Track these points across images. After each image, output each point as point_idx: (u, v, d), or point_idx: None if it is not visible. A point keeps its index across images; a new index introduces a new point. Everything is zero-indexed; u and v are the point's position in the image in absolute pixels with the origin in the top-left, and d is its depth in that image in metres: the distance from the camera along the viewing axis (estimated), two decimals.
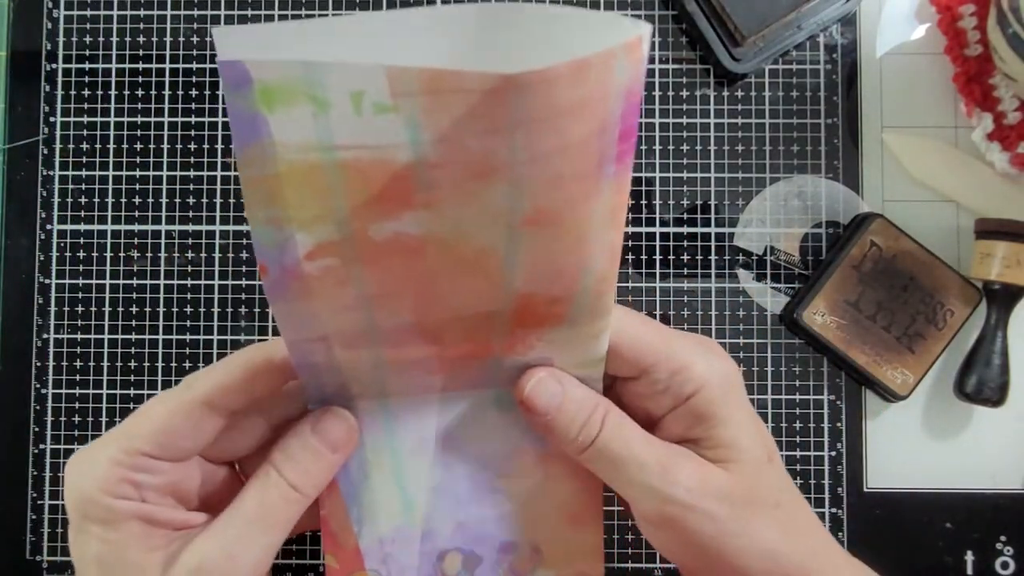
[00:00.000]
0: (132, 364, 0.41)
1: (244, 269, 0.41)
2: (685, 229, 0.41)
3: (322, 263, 0.24)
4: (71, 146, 0.42)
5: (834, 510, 0.41)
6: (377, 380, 0.29)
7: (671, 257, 0.41)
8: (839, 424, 0.41)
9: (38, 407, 0.41)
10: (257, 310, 0.41)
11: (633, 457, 0.28)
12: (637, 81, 0.22)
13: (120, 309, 0.41)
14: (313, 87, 0.21)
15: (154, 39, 0.42)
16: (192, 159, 0.42)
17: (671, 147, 0.42)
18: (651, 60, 0.42)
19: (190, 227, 0.42)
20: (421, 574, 0.30)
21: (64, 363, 0.41)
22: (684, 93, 0.42)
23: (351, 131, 0.21)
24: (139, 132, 0.42)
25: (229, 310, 0.41)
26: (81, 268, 0.41)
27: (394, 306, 0.26)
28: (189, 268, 0.41)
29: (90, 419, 0.41)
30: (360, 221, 0.23)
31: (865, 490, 0.41)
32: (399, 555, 0.30)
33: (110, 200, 0.42)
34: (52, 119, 0.42)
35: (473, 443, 0.31)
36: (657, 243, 0.41)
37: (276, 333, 0.31)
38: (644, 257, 0.41)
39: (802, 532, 0.29)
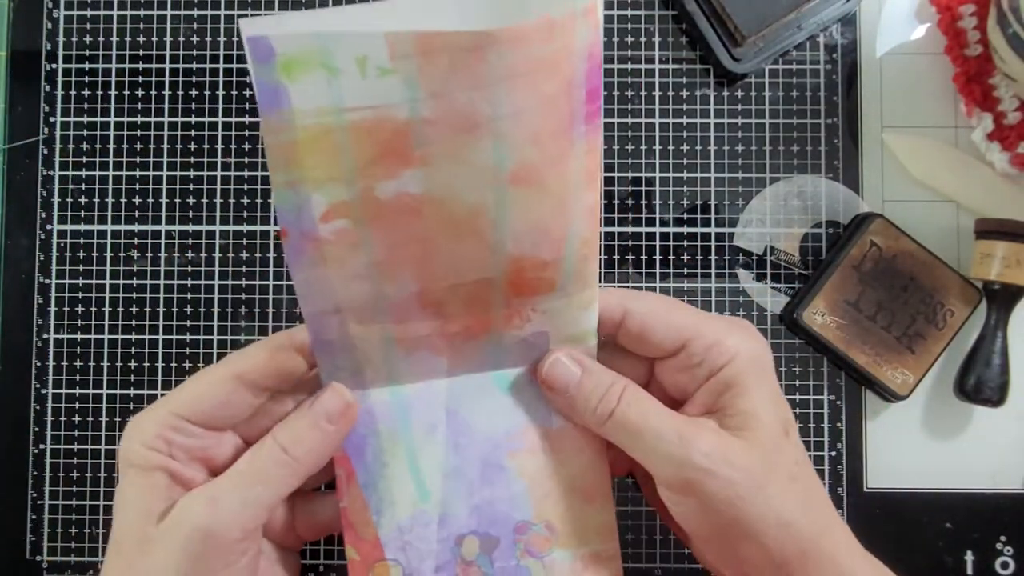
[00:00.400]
0: (132, 364, 0.41)
1: (244, 269, 0.41)
2: (685, 229, 0.41)
3: (335, 225, 0.27)
4: (71, 146, 0.42)
5: None
6: (388, 363, 0.31)
7: (671, 257, 0.41)
8: (839, 424, 0.41)
9: (38, 407, 0.41)
10: (257, 310, 0.41)
11: (650, 427, 0.29)
12: (596, 44, 0.25)
13: (120, 309, 0.41)
14: (325, 56, 0.24)
15: (154, 39, 0.42)
16: (192, 159, 0.42)
17: (671, 147, 0.42)
18: (651, 60, 0.42)
19: (190, 227, 0.42)
20: (439, 561, 0.31)
21: (64, 363, 0.41)
22: (684, 93, 0.42)
23: (358, 93, 0.25)
24: (139, 132, 0.42)
25: (229, 310, 0.41)
26: (81, 268, 0.41)
27: (399, 273, 0.28)
28: (189, 268, 0.41)
29: (90, 419, 0.41)
30: (367, 179, 0.26)
31: (865, 490, 0.41)
32: (417, 543, 0.31)
33: (110, 200, 0.42)
34: (52, 119, 0.42)
35: (481, 424, 0.32)
36: (657, 243, 0.41)
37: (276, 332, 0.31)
38: (644, 257, 0.41)
39: (816, 507, 0.30)
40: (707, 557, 0.31)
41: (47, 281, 0.41)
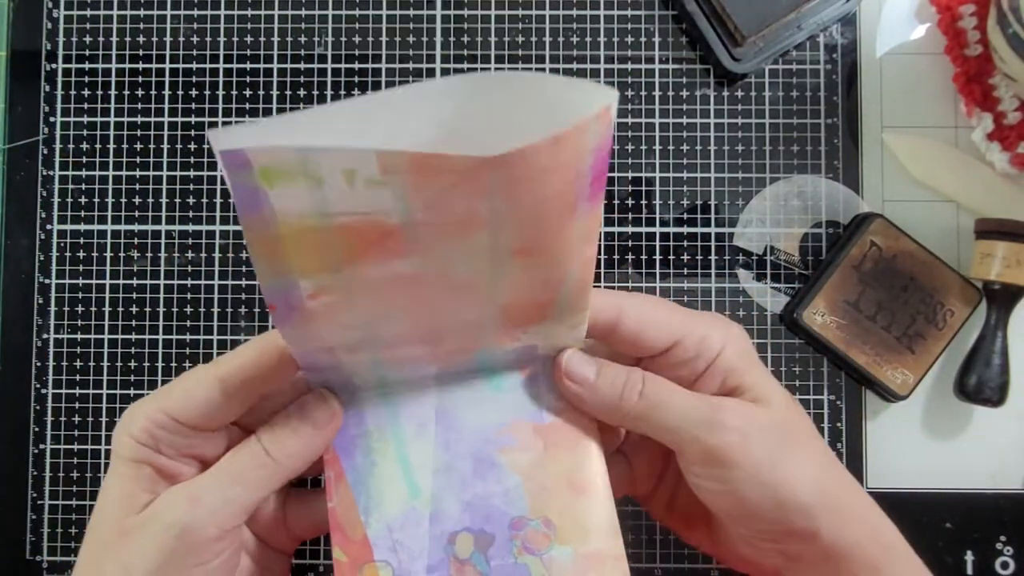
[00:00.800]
0: (132, 364, 0.41)
1: (244, 269, 0.41)
2: (685, 229, 0.41)
3: (324, 300, 0.26)
4: (71, 146, 0.42)
5: None
6: (377, 375, 0.31)
7: (671, 257, 0.41)
8: (839, 424, 0.41)
9: (38, 407, 0.41)
10: (257, 310, 0.41)
11: (682, 400, 0.30)
12: (606, 139, 0.24)
13: (120, 309, 0.41)
14: (308, 167, 0.22)
15: (154, 39, 0.42)
16: (192, 159, 0.42)
17: (671, 147, 0.42)
18: (651, 60, 0.42)
19: (190, 227, 0.42)
20: (432, 560, 0.30)
21: (64, 363, 0.41)
22: (684, 93, 0.42)
23: (344, 201, 0.23)
24: (139, 132, 0.42)
25: (229, 310, 0.41)
26: (81, 268, 0.41)
27: (392, 322, 0.28)
28: (189, 268, 0.41)
29: (90, 419, 0.41)
30: (356, 269, 0.25)
31: (865, 490, 0.41)
32: (408, 541, 0.31)
33: (110, 200, 0.42)
34: (52, 119, 0.42)
35: (471, 421, 0.32)
36: (657, 243, 0.41)
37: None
38: (644, 257, 0.41)
39: (836, 465, 0.31)
40: (740, 547, 0.32)
41: (47, 281, 0.41)
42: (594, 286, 0.30)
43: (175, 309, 0.41)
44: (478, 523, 0.31)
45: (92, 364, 0.41)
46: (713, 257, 0.41)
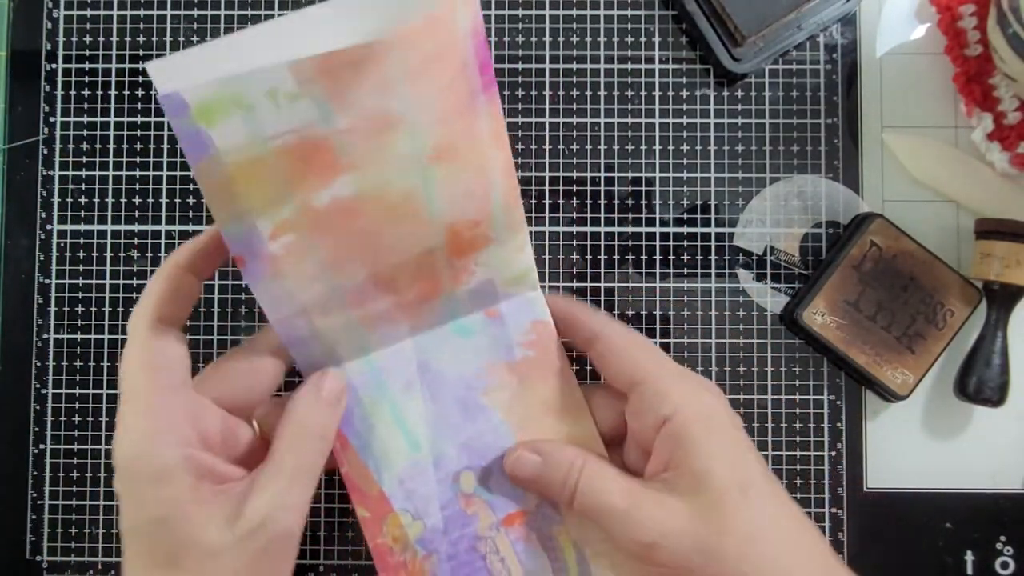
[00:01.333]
0: None
1: None
2: (685, 229, 0.41)
3: (284, 240, 0.29)
4: (71, 146, 0.42)
5: (834, 510, 0.41)
6: (356, 341, 0.33)
7: (671, 257, 0.41)
8: (839, 424, 0.41)
9: (38, 407, 0.41)
10: (256, 310, 0.41)
11: (604, 507, 0.30)
12: (477, 21, 0.28)
13: (120, 309, 0.41)
14: (236, 96, 0.26)
15: (154, 39, 0.42)
16: None
17: (671, 147, 0.42)
18: (651, 60, 0.42)
19: (190, 227, 0.42)
20: (442, 500, 0.34)
21: (64, 363, 0.41)
22: (684, 93, 0.42)
23: (275, 122, 0.27)
24: (139, 132, 0.42)
25: (229, 310, 0.41)
26: (81, 268, 0.41)
27: (348, 266, 0.31)
28: None
29: (90, 419, 0.41)
30: (302, 194, 0.29)
31: (865, 490, 0.41)
32: (419, 488, 0.34)
33: (110, 200, 0.42)
34: (52, 119, 0.42)
35: (451, 371, 0.34)
36: (657, 243, 0.41)
37: None
38: (644, 257, 0.41)
39: (802, 539, 0.29)
40: None
41: (47, 281, 0.41)
42: (584, 299, 0.30)
43: None
44: (476, 460, 0.34)
45: (92, 364, 0.41)
46: (713, 257, 0.41)
